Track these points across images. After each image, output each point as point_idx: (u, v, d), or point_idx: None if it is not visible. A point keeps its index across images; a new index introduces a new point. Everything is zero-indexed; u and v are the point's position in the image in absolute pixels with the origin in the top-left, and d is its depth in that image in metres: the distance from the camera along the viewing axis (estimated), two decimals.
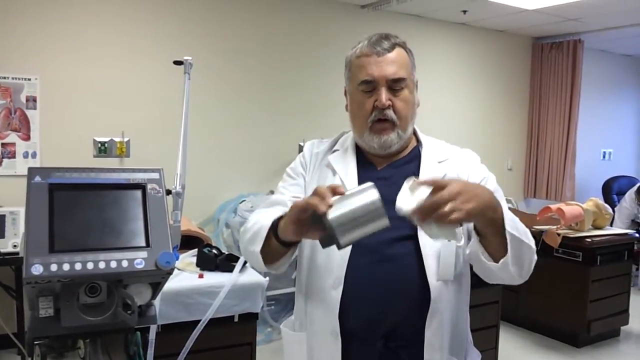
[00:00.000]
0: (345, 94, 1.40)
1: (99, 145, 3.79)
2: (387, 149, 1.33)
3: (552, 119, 6.07)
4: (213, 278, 2.38)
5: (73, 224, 1.06)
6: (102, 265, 1.03)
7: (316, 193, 1.06)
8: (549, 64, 6.06)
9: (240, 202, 4.06)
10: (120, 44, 3.84)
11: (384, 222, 1.03)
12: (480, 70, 5.74)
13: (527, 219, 4.22)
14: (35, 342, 1.12)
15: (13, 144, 3.57)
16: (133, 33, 3.88)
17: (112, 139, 3.82)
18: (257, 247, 1.22)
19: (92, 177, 1.12)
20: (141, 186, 1.14)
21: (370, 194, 1.03)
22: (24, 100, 3.57)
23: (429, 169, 1.34)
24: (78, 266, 1.02)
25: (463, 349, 1.34)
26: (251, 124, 4.40)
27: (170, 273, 1.10)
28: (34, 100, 3.60)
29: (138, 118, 3.91)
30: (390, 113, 1.29)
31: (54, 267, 1.00)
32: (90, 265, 1.02)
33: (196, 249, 2.63)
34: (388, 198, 1.28)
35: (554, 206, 3.96)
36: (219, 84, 4.23)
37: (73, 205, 1.08)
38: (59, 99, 3.66)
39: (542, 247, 3.89)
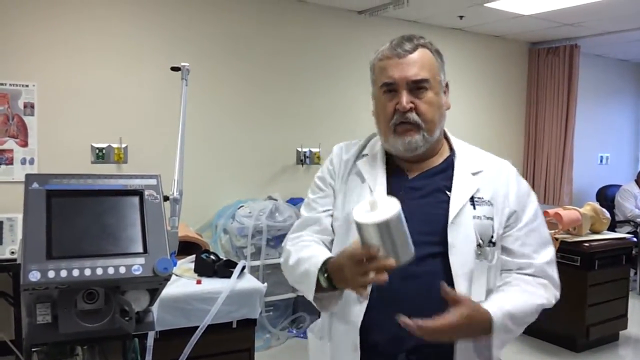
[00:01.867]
0: (372, 98, 1.38)
1: (97, 151, 3.79)
2: (413, 152, 1.29)
3: (549, 123, 6.08)
4: (211, 284, 2.38)
5: (70, 230, 1.06)
6: (99, 271, 1.03)
7: (361, 268, 1.07)
8: (546, 69, 6.08)
9: (239, 208, 4.06)
10: (118, 51, 3.85)
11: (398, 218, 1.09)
12: (477, 75, 5.76)
13: None
14: (33, 349, 1.12)
15: (11, 151, 3.57)
16: (131, 40, 3.89)
17: (109, 145, 3.83)
18: (310, 295, 1.23)
19: (90, 183, 1.12)
20: (139, 192, 1.14)
21: (379, 225, 1.06)
22: (21, 106, 3.57)
23: (462, 181, 1.31)
24: (75, 272, 1.01)
25: None
26: (249, 130, 4.41)
27: (168, 279, 1.10)
28: (32, 106, 3.60)
29: (136, 124, 3.92)
30: (412, 116, 1.26)
31: (51, 274, 1.00)
32: (87, 272, 1.02)
33: (194, 255, 2.62)
34: (420, 209, 1.27)
35: (551, 211, 3.97)
36: (216, 90, 4.24)
37: (70, 211, 1.08)
38: (56, 106, 3.66)
39: None
